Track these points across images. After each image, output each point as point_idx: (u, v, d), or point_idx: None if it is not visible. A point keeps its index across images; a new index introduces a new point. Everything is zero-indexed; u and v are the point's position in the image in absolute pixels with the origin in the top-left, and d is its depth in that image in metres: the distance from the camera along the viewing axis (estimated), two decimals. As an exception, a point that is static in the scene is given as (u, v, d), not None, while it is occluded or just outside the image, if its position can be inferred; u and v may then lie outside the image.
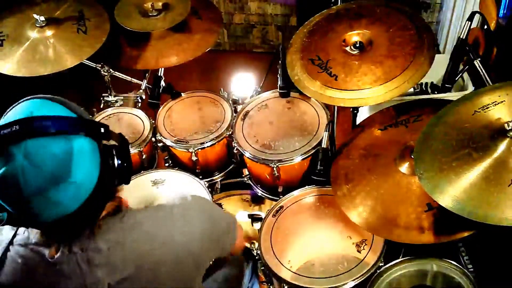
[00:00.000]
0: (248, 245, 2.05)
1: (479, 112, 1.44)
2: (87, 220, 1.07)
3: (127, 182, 1.12)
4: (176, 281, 1.13)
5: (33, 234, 1.07)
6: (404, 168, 1.66)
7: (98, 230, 1.09)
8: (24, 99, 1.03)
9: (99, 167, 1.02)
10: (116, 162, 1.05)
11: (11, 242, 1.08)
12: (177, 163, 2.37)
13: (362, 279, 1.66)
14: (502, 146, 1.32)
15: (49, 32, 2.07)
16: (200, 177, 2.21)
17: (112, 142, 1.08)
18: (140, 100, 2.51)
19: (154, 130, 2.37)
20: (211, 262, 1.24)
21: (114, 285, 1.07)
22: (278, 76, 2.18)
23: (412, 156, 1.56)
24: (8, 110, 1.01)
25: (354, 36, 1.87)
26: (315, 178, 1.92)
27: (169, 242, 1.12)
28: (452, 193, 1.31)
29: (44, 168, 0.93)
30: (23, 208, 0.96)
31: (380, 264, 1.69)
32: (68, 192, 0.96)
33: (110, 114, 2.48)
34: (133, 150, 2.26)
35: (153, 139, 2.37)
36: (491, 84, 1.87)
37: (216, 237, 1.26)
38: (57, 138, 0.95)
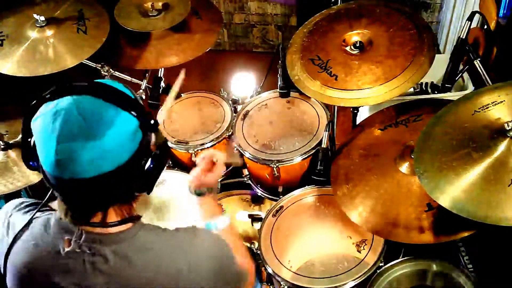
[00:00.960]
0: (248, 245, 2.05)
1: (479, 112, 1.44)
2: (100, 202, 1.06)
3: (149, 192, 1.12)
4: None
5: (56, 217, 1.10)
6: (404, 168, 1.66)
7: (109, 237, 1.08)
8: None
9: (131, 153, 1.01)
10: (149, 163, 1.05)
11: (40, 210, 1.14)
12: (177, 164, 2.37)
13: (362, 279, 1.66)
14: (502, 146, 1.32)
15: (49, 32, 2.06)
16: (200, 177, 2.21)
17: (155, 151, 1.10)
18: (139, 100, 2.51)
19: (154, 130, 2.36)
20: None
21: None
22: (278, 76, 2.19)
23: (412, 156, 1.56)
24: None
25: (354, 36, 1.87)
26: (315, 178, 1.92)
27: (174, 274, 1.10)
28: (452, 193, 1.31)
29: (85, 119, 0.96)
30: (49, 149, 0.97)
31: (380, 264, 1.69)
32: (92, 153, 0.96)
33: (110, 114, 2.47)
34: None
35: (153, 139, 2.37)
36: (491, 84, 1.87)
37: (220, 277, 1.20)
38: (109, 105, 0.99)
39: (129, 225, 1.11)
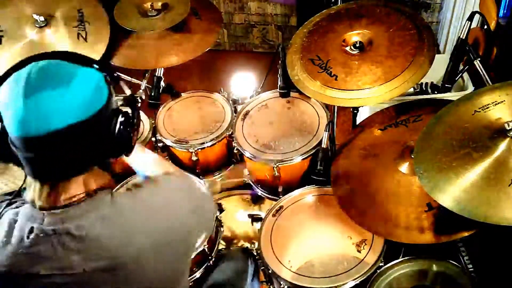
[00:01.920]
0: (248, 245, 2.06)
1: (479, 112, 1.44)
2: (72, 161, 1.02)
3: (126, 153, 1.11)
4: (163, 272, 1.11)
5: (24, 208, 1.08)
6: (404, 168, 1.66)
7: (69, 213, 1.05)
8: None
9: (100, 106, 1.01)
10: (119, 120, 1.05)
11: (10, 204, 1.12)
12: (177, 163, 2.37)
13: (362, 279, 1.66)
14: (502, 146, 1.32)
15: (49, 34, 2.06)
16: (200, 177, 2.21)
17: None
18: (139, 100, 2.51)
19: (154, 130, 2.36)
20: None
21: (90, 272, 1.05)
22: (278, 76, 2.18)
23: (412, 156, 1.55)
24: None
25: (354, 36, 1.87)
26: (315, 178, 1.92)
27: (151, 232, 1.08)
28: (452, 193, 1.31)
29: (47, 73, 0.99)
30: (17, 108, 0.96)
31: (380, 264, 1.69)
32: (60, 101, 0.96)
33: (110, 114, 2.47)
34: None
35: (153, 139, 2.37)
36: (491, 84, 1.87)
37: (199, 212, 1.20)
38: (69, 64, 1.02)
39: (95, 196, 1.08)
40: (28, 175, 1.05)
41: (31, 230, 1.05)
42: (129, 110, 1.10)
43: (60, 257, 1.05)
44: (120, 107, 1.10)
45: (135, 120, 1.11)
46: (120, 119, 1.05)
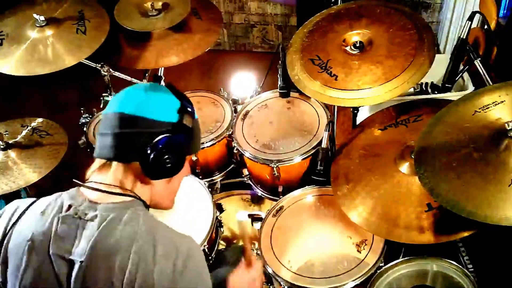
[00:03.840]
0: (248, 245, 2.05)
1: (479, 112, 1.44)
2: (121, 146, 1.15)
3: (153, 176, 1.18)
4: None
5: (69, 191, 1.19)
6: (404, 168, 1.66)
7: (106, 206, 1.12)
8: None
9: (161, 119, 1.15)
10: (164, 139, 1.14)
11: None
12: (177, 163, 2.37)
13: (362, 279, 1.66)
14: (502, 146, 1.32)
15: (49, 32, 2.07)
16: (200, 177, 2.21)
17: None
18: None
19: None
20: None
21: (84, 267, 1.08)
22: (278, 76, 2.19)
23: (412, 156, 1.56)
24: None
25: (354, 36, 1.87)
26: (315, 178, 1.92)
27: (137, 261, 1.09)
28: (452, 193, 1.31)
29: (149, 85, 1.21)
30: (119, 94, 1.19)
31: (380, 264, 1.69)
32: (142, 96, 1.16)
33: (110, 114, 2.48)
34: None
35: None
36: (491, 84, 1.87)
37: None
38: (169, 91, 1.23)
39: (130, 198, 1.16)
40: (94, 154, 1.20)
41: (68, 208, 1.14)
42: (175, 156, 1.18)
43: (75, 240, 1.10)
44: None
45: (177, 151, 1.18)
46: (161, 138, 1.14)
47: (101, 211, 1.12)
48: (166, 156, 1.14)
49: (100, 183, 1.16)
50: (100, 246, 1.08)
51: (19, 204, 1.20)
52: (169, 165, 1.16)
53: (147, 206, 1.22)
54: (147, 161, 1.14)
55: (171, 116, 1.16)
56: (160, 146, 1.13)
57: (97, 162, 1.20)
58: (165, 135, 1.14)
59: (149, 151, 1.13)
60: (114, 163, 1.16)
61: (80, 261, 1.08)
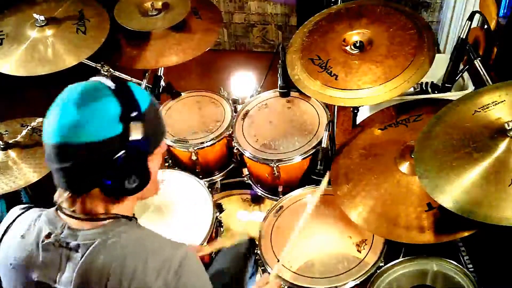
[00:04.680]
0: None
1: (479, 111, 1.44)
2: (85, 176, 1.05)
3: (121, 197, 1.12)
4: None
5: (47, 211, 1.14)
6: (404, 167, 1.66)
7: (86, 232, 1.09)
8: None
9: (106, 136, 1.02)
10: (120, 154, 1.04)
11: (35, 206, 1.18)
12: (177, 163, 2.37)
13: (362, 279, 1.66)
14: (502, 146, 1.32)
15: (49, 32, 2.07)
16: (200, 176, 2.21)
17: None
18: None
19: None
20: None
21: None
22: (278, 75, 2.18)
23: (412, 156, 1.55)
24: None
25: (354, 36, 1.87)
26: (315, 178, 1.92)
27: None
28: (452, 193, 1.31)
29: (81, 93, 1.06)
30: (50, 116, 1.05)
31: (380, 264, 1.69)
32: (71, 118, 1.02)
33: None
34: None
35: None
36: (491, 83, 1.87)
37: None
38: (107, 89, 1.07)
39: (109, 220, 1.11)
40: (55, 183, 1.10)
41: (48, 235, 1.09)
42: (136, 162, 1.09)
43: (60, 269, 1.08)
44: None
45: (134, 171, 1.09)
46: (122, 155, 1.04)
47: (83, 240, 1.08)
48: (127, 176, 1.06)
49: (74, 211, 1.10)
50: (88, 274, 1.06)
51: (4, 221, 1.17)
52: (134, 183, 1.08)
53: (131, 218, 1.16)
54: (107, 187, 1.06)
55: (114, 128, 1.03)
56: (115, 169, 1.04)
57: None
58: (117, 155, 1.03)
59: (106, 177, 1.05)
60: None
61: None
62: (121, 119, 1.04)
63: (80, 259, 1.06)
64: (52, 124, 1.03)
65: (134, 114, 1.05)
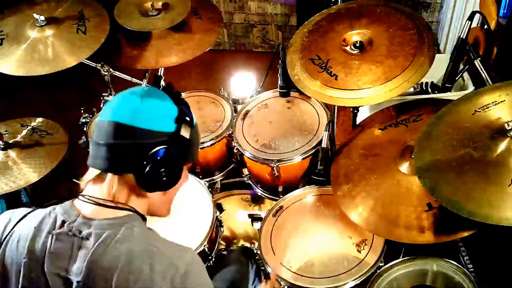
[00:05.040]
0: (248, 245, 2.05)
1: (479, 111, 1.44)
2: (128, 157, 1.11)
3: (148, 190, 1.15)
4: None
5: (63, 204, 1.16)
6: (404, 168, 1.66)
7: (100, 222, 1.10)
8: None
9: (156, 128, 1.10)
10: (161, 151, 1.10)
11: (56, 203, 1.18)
12: (177, 163, 2.37)
13: (362, 279, 1.66)
14: (502, 146, 1.32)
15: (49, 32, 2.07)
16: (200, 176, 2.21)
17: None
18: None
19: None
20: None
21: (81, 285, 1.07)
22: (278, 75, 2.18)
23: (412, 156, 1.55)
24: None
25: (354, 36, 1.87)
26: (315, 178, 1.92)
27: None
28: (452, 193, 1.31)
29: (146, 90, 1.16)
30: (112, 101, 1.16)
31: (380, 264, 1.69)
32: (135, 104, 1.11)
33: (110, 114, 2.48)
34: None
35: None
36: (491, 83, 1.87)
37: None
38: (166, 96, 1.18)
39: (125, 213, 1.13)
40: (87, 162, 1.15)
41: (62, 224, 1.11)
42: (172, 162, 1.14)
43: (71, 259, 1.09)
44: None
45: (174, 163, 1.15)
46: (158, 150, 1.10)
47: (96, 229, 1.09)
48: (162, 169, 1.10)
49: (94, 197, 1.13)
50: (96, 265, 1.06)
51: (11, 216, 1.17)
52: (165, 178, 1.12)
53: (144, 218, 1.19)
54: (142, 174, 1.10)
55: (168, 125, 1.12)
56: (156, 159, 1.09)
57: (92, 172, 1.17)
58: (161, 147, 1.10)
59: (144, 164, 1.09)
60: (109, 175, 1.13)
61: (77, 281, 1.07)
62: (176, 121, 1.13)
63: (91, 248, 1.07)
64: (112, 106, 1.12)
65: (187, 120, 1.15)
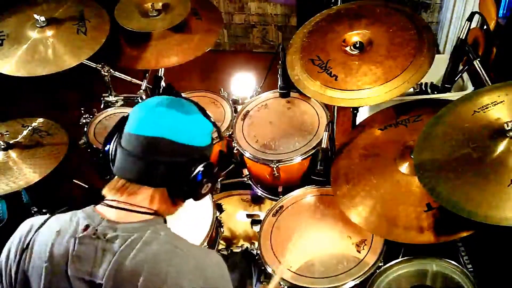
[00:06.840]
0: (248, 245, 2.05)
1: (479, 112, 1.45)
2: (151, 171, 1.11)
3: (195, 198, 1.19)
4: None
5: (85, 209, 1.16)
6: (404, 168, 1.67)
7: (125, 226, 1.10)
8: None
9: (195, 144, 1.14)
10: (199, 167, 1.15)
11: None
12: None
13: (362, 279, 1.66)
14: (502, 146, 1.32)
15: (49, 32, 2.07)
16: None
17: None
18: (140, 100, 2.52)
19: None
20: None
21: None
22: (278, 76, 2.19)
23: (412, 156, 1.56)
24: None
25: (354, 36, 1.87)
26: (315, 178, 1.92)
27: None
28: (452, 193, 1.31)
29: (182, 104, 1.19)
30: (144, 111, 1.15)
31: (380, 264, 1.69)
32: (175, 119, 1.13)
33: (110, 114, 2.48)
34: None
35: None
36: (490, 84, 1.87)
37: None
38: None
39: (149, 216, 1.13)
40: (114, 171, 1.16)
41: (86, 228, 1.11)
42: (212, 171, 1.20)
43: (95, 262, 1.08)
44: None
45: (213, 177, 1.20)
46: (202, 168, 1.15)
47: (122, 232, 1.09)
48: (204, 185, 1.16)
49: (119, 201, 1.13)
50: (122, 268, 1.06)
51: (33, 222, 1.17)
52: (205, 191, 1.18)
53: (165, 220, 1.20)
54: (179, 189, 1.14)
55: (206, 140, 1.18)
56: (196, 178, 1.14)
57: (116, 180, 1.16)
58: (201, 167, 1.14)
59: (183, 181, 1.13)
60: (137, 185, 1.13)
61: (103, 284, 1.06)
62: (211, 135, 1.20)
63: (117, 251, 1.07)
64: (150, 120, 1.11)
65: (219, 133, 1.26)
